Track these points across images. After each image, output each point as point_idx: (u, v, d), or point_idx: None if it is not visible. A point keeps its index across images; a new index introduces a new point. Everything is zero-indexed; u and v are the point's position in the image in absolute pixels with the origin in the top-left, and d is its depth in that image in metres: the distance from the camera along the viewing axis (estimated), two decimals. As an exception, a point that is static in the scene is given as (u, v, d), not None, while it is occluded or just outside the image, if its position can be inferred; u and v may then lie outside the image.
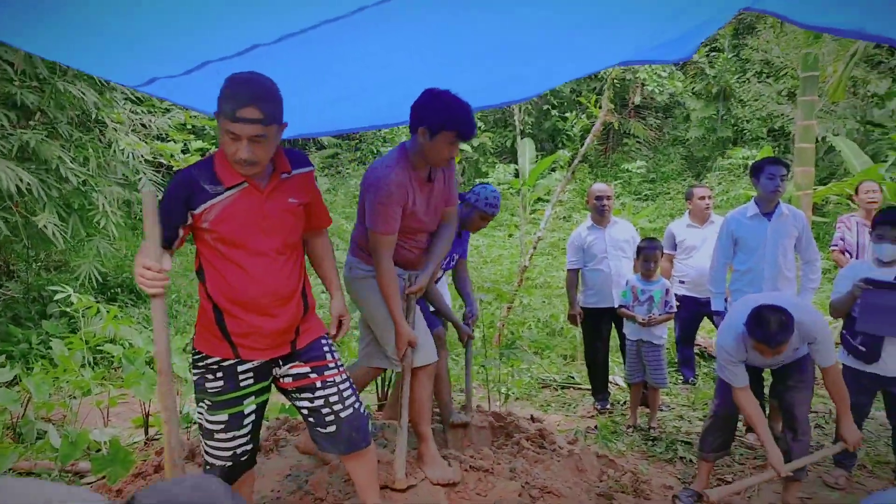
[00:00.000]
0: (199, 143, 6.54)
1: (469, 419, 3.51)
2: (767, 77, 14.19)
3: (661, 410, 4.72)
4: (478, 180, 13.36)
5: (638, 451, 4.09)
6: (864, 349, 3.42)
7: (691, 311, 5.17)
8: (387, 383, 4.46)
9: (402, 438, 2.82)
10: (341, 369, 2.38)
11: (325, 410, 2.31)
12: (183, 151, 6.34)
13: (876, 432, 4.24)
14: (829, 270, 7.78)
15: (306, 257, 2.48)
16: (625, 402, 4.98)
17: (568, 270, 5.01)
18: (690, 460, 3.87)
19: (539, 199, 10.86)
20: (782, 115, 13.33)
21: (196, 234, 2.20)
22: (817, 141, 10.98)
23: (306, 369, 2.31)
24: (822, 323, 3.05)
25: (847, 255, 5.13)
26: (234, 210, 2.14)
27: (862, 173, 8.13)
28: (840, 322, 3.67)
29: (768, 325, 2.79)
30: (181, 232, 2.16)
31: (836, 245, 5.21)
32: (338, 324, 2.50)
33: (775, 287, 3.94)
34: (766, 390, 4.09)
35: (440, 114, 2.60)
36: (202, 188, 2.12)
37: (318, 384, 2.31)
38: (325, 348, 2.37)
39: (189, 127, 6.77)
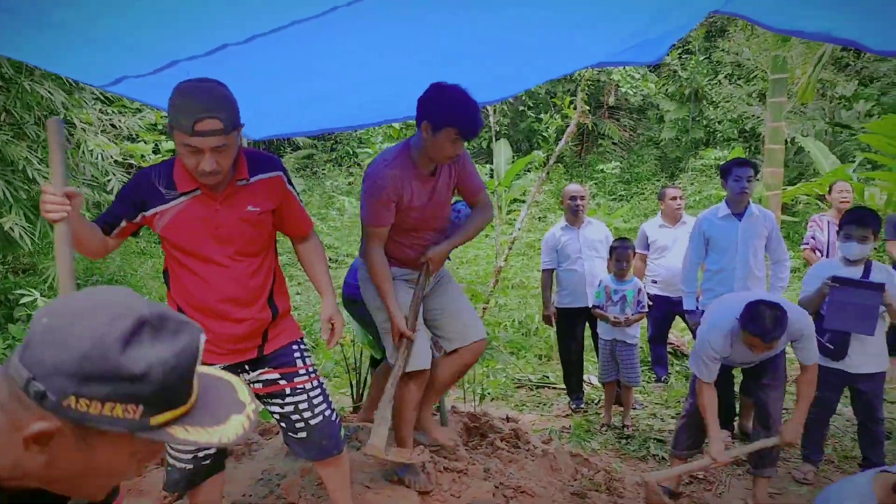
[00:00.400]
0: (170, 144, 6.44)
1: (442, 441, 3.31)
2: (738, 79, 14.41)
3: (635, 409, 4.77)
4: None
5: (611, 449, 4.13)
6: (831, 346, 3.48)
7: (664, 311, 5.22)
8: (362, 385, 4.44)
9: (386, 408, 2.70)
10: (313, 376, 2.34)
11: (294, 417, 2.28)
12: (154, 152, 6.25)
13: (843, 428, 4.32)
14: (799, 269, 7.92)
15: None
16: (599, 401, 5.01)
17: (542, 271, 5.04)
18: (663, 457, 3.92)
19: (515, 200, 10.91)
20: (753, 116, 13.55)
21: (161, 239, 2.17)
22: (787, 142, 11.18)
23: (275, 375, 2.27)
24: (809, 321, 3.11)
25: (818, 253, 5.24)
26: (186, 217, 2.09)
27: (830, 174, 8.30)
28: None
29: (764, 319, 2.83)
30: (124, 224, 2.12)
31: (808, 243, 5.33)
32: (330, 327, 2.40)
33: (745, 286, 4.00)
34: (737, 388, 4.16)
35: (443, 110, 2.51)
36: (158, 191, 2.08)
37: (288, 391, 2.28)
38: (297, 354, 2.32)
39: (160, 127, 6.67)
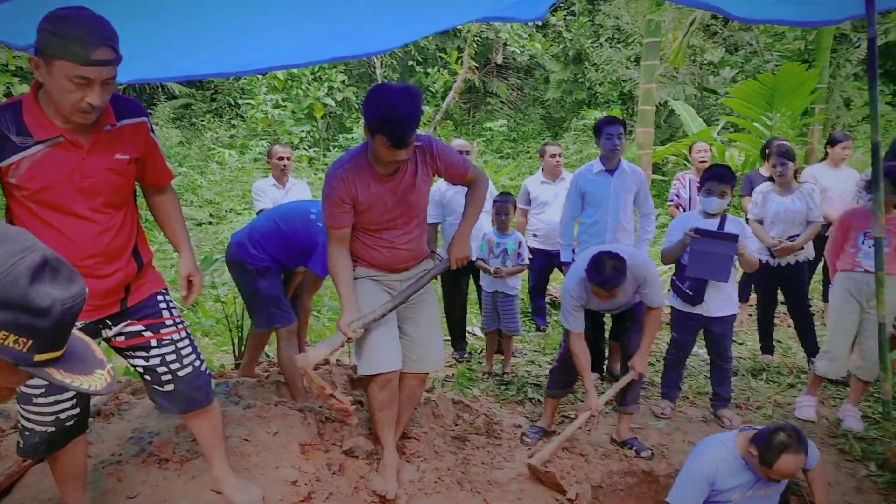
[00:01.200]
0: (24, 88, 5.87)
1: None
2: (618, 42, 14.96)
3: (515, 356, 4.97)
4: (341, 136, 13.11)
5: (492, 395, 4.30)
6: (690, 293, 3.77)
7: (543, 263, 5.43)
8: (243, 343, 4.35)
9: (336, 337, 2.66)
10: (180, 326, 2.26)
11: (161, 370, 2.20)
12: (5, 95, 5.69)
13: (697, 367, 4.73)
14: (667, 224, 8.47)
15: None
16: (482, 351, 5.18)
17: (428, 224, 5.06)
18: (539, 400, 4.13)
19: (403, 156, 10.86)
20: (630, 79, 14.15)
21: (4, 188, 1.97)
22: (660, 105, 11.79)
23: (140, 327, 2.18)
24: (653, 268, 3.34)
25: (681, 209, 5.62)
26: (48, 167, 1.92)
27: (696, 135, 8.87)
28: (672, 269, 4.02)
29: (604, 269, 3.04)
30: None
31: (672, 200, 5.73)
32: (188, 284, 2.33)
33: (616, 238, 4.24)
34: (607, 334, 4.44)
35: (374, 116, 2.43)
36: (8, 138, 1.89)
37: (154, 343, 2.19)
38: (162, 305, 2.24)
39: (12, 68, 6.07)
